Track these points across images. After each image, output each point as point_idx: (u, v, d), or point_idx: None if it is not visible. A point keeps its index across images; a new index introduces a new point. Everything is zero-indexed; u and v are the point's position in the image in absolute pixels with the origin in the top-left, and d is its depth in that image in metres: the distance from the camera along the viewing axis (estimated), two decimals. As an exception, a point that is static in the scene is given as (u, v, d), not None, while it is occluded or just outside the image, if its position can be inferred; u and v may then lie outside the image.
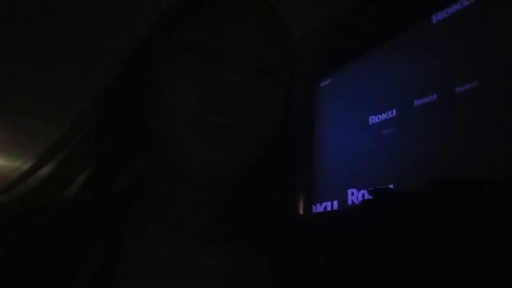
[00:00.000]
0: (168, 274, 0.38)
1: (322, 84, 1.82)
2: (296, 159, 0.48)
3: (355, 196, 1.46)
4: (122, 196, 0.43)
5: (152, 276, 0.37)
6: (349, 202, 1.49)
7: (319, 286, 0.43)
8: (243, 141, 0.39)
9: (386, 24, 1.48)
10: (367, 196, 1.37)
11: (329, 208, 1.59)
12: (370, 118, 1.51)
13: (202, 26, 0.40)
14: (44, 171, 0.41)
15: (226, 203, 0.44)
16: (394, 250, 0.84)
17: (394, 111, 1.40)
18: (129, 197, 0.43)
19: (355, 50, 1.62)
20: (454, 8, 1.30)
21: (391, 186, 1.30)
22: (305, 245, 0.46)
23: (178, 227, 0.41)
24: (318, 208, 1.65)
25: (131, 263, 0.37)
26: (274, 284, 0.42)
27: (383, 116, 1.45)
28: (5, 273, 0.34)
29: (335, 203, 1.57)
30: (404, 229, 0.83)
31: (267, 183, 0.46)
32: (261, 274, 0.43)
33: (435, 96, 1.25)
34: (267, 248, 0.44)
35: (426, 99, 1.28)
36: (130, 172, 0.45)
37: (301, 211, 1.56)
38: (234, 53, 0.39)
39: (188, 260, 0.40)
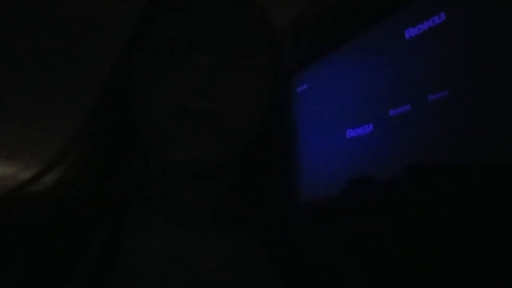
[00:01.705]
0: (169, 263, 0.38)
1: (298, 89, 1.85)
2: (287, 148, 0.48)
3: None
4: (121, 193, 0.42)
5: (154, 265, 0.37)
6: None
7: (318, 272, 0.43)
8: (228, 127, 0.38)
9: (360, 38, 1.55)
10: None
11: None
12: (347, 130, 1.53)
13: (177, 15, 0.41)
14: (48, 178, 0.41)
15: (222, 193, 0.44)
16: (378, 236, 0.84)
17: (370, 124, 1.43)
18: (128, 193, 0.43)
19: (329, 60, 1.68)
20: (426, 25, 1.37)
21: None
22: (302, 232, 0.46)
23: (176, 218, 0.41)
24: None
25: (132, 254, 0.37)
26: (275, 271, 0.42)
27: (360, 129, 1.48)
28: (7, 265, 0.33)
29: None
30: (381, 217, 0.84)
31: (261, 172, 0.46)
32: (261, 262, 0.42)
33: (409, 106, 1.29)
34: (266, 236, 0.44)
35: (400, 109, 1.31)
36: (128, 170, 0.45)
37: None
38: (208, 36, 0.39)
39: (189, 249, 0.39)
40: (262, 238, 0.44)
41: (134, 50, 0.43)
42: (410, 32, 1.40)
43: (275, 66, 0.46)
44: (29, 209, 0.38)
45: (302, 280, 0.41)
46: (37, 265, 0.33)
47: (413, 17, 1.38)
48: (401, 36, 1.41)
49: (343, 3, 1.59)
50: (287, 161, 0.47)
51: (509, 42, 1.07)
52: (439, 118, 1.18)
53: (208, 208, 0.43)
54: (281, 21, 1.87)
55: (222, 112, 0.38)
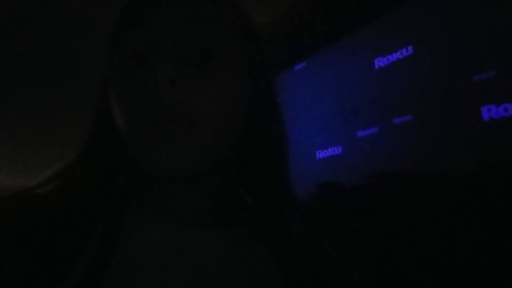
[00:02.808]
0: (168, 260, 0.38)
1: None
2: (281, 145, 0.48)
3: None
4: (120, 194, 0.43)
5: (152, 262, 0.37)
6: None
7: (318, 268, 0.43)
8: (202, 132, 0.37)
9: (331, 68, 1.63)
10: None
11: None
12: (317, 151, 1.57)
13: (135, 30, 0.40)
14: (50, 186, 0.42)
15: (214, 192, 0.44)
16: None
17: (340, 146, 1.48)
18: (126, 194, 0.43)
19: (298, 75, 1.74)
20: (394, 57, 1.46)
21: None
22: (299, 229, 0.46)
23: (174, 216, 0.41)
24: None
25: (130, 251, 0.37)
26: (273, 268, 0.42)
27: (329, 150, 1.52)
28: (6, 265, 0.33)
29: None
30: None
31: (252, 170, 0.45)
32: (259, 258, 0.42)
33: (376, 128, 1.35)
34: (264, 233, 0.44)
35: (368, 131, 1.37)
36: (125, 174, 0.45)
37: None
38: (166, 46, 0.38)
39: (187, 245, 0.39)
40: (260, 235, 0.44)
41: (109, 64, 0.43)
42: (380, 62, 1.49)
43: (251, 62, 0.44)
44: (28, 210, 0.37)
45: (299, 277, 0.41)
46: (36, 264, 0.33)
47: (383, 48, 1.48)
48: (371, 64, 1.50)
49: (313, 22, 1.67)
50: (279, 156, 0.47)
51: (463, 75, 1.16)
52: (403, 140, 1.24)
53: (204, 206, 0.43)
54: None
55: (191, 120, 0.37)
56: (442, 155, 1.12)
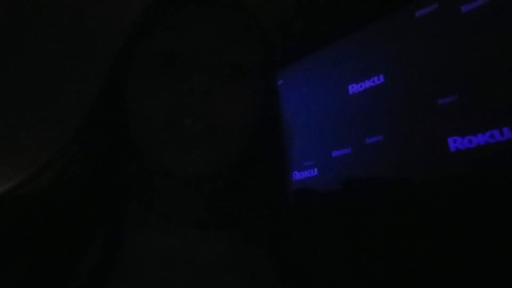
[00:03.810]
0: (168, 260, 0.38)
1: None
2: (283, 148, 0.48)
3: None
4: (120, 194, 0.43)
5: (152, 261, 0.37)
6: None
7: (316, 269, 0.44)
8: (220, 142, 0.39)
9: (306, 90, 1.71)
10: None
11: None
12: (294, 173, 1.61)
13: (169, 31, 0.41)
14: (44, 179, 0.41)
15: (215, 193, 0.45)
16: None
17: (315, 169, 1.52)
18: (126, 194, 0.43)
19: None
20: (367, 84, 1.56)
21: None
22: (298, 230, 0.46)
23: (175, 217, 0.42)
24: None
25: (132, 252, 0.37)
26: (272, 267, 0.42)
27: (305, 172, 1.57)
28: (8, 267, 0.33)
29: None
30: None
31: (257, 174, 0.46)
32: (259, 258, 0.43)
33: (349, 149, 1.41)
34: (263, 234, 0.44)
35: (342, 151, 1.43)
36: (124, 173, 0.45)
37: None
38: (202, 54, 0.39)
39: (188, 246, 0.40)
40: (259, 236, 0.44)
41: (127, 60, 0.43)
42: (353, 88, 1.58)
43: (267, 74, 0.46)
44: (28, 210, 0.37)
45: (297, 277, 0.41)
46: (39, 266, 0.33)
47: (356, 76, 1.57)
48: (345, 90, 1.58)
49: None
50: (280, 161, 0.48)
51: (429, 99, 1.25)
52: (374, 158, 1.29)
53: (205, 207, 0.44)
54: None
55: (215, 128, 0.38)
56: (409, 170, 1.18)
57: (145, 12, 0.44)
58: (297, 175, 1.59)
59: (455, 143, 1.16)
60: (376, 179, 1.24)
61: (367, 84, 1.56)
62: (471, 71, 1.17)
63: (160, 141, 0.38)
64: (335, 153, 1.45)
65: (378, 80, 1.53)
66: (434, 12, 1.28)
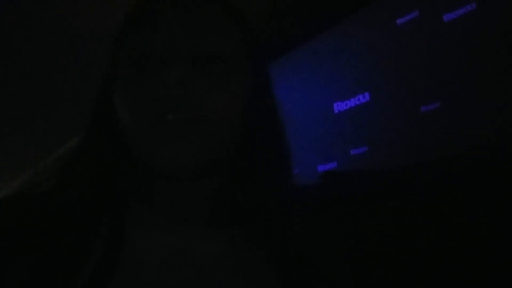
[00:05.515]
0: (168, 259, 0.38)
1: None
2: (279, 144, 0.47)
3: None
4: (120, 194, 0.43)
5: (152, 261, 0.37)
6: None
7: (315, 268, 0.43)
8: (207, 133, 0.39)
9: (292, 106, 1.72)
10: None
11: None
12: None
13: (144, 31, 0.41)
14: (48, 181, 0.42)
15: (214, 192, 0.44)
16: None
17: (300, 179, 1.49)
18: (127, 195, 0.43)
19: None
20: (352, 102, 1.57)
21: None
22: (297, 227, 0.45)
23: (174, 215, 0.42)
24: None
25: (133, 251, 0.37)
26: (271, 267, 0.42)
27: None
28: (10, 267, 0.34)
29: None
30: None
31: (253, 169, 0.45)
32: (258, 258, 0.43)
33: (335, 163, 1.39)
34: (262, 232, 0.44)
35: (328, 165, 1.41)
36: (124, 174, 0.45)
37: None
38: (174, 49, 0.39)
39: (188, 245, 0.40)
40: (258, 235, 0.44)
41: (113, 65, 0.44)
42: (339, 106, 1.58)
43: (253, 64, 0.46)
44: (29, 210, 0.38)
45: (297, 276, 0.41)
46: (41, 265, 0.33)
47: (341, 94, 1.58)
48: (331, 109, 1.59)
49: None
50: (278, 155, 0.47)
51: (412, 107, 1.25)
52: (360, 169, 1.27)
53: (204, 205, 0.44)
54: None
55: (199, 119, 0.38)
56: (394, 182, 1.16)
57: (125, 17, 0.45)
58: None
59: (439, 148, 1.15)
60: (363, 188, 1.21)
61: (352, 102, 1.56)
62: (454, 78, 1.18)
63: (146, 139, 0.38)
64: (320, 168, 1.43)
65: (363, 98, 1.54)
66: (416, 19, 1.32)
